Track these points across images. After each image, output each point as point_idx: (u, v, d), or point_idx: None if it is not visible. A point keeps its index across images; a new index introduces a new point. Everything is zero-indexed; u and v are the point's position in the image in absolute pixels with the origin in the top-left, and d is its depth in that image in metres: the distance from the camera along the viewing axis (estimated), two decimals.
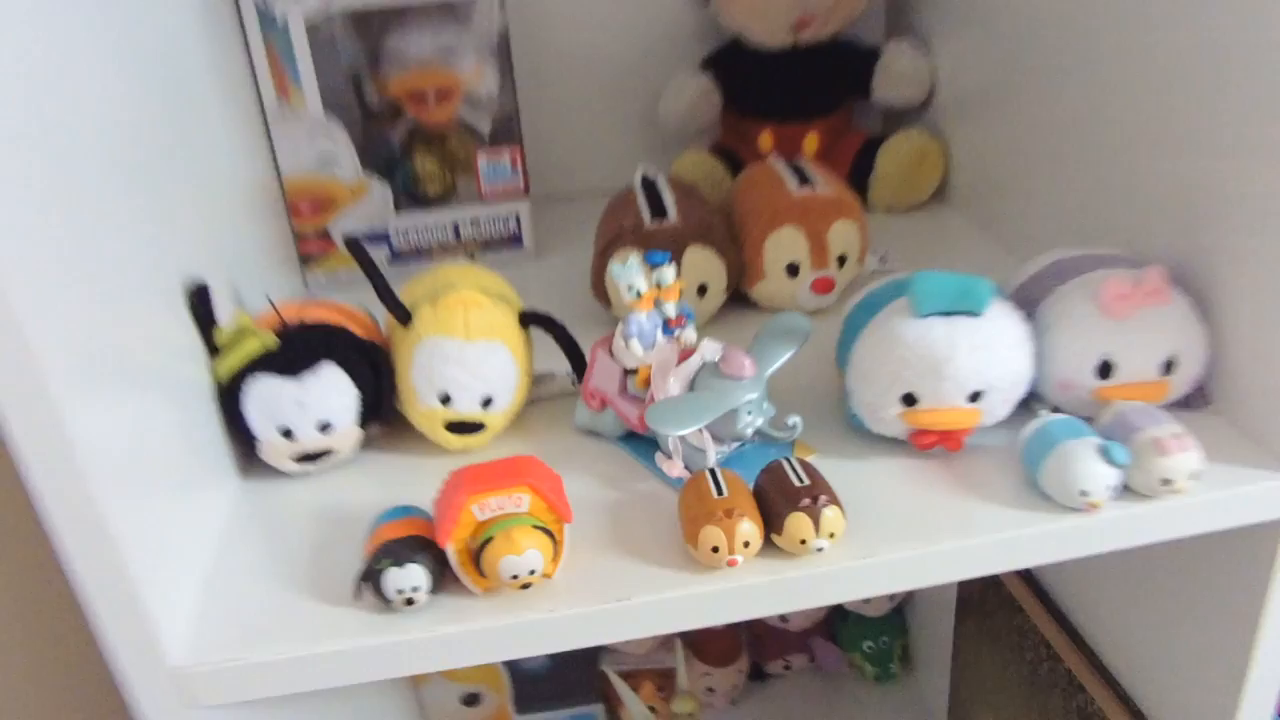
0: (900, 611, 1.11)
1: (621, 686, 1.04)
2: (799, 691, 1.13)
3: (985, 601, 0.90)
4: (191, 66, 0.64)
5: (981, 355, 0.53)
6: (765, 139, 0.89)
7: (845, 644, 1.12)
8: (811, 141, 0.89)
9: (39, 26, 0.44)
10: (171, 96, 0.59)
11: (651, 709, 1.05)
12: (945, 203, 0.90)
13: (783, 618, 1.09)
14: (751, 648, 1.12)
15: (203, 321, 0.57)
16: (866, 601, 1.07)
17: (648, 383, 0.57)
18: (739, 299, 0.74)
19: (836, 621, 1.12)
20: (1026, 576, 0.84)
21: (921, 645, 1.10)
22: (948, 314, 0.54)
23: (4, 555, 0.75)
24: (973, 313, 0.53)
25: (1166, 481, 0.52)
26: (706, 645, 1.08)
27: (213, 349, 0.57)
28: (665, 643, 1.06)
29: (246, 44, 0.74)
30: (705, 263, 0.69)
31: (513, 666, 1.06)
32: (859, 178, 0.88)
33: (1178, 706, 0.68)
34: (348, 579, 0.51)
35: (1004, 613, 0.86)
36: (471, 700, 1.07)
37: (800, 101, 0.89)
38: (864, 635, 1.10)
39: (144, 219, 0.52)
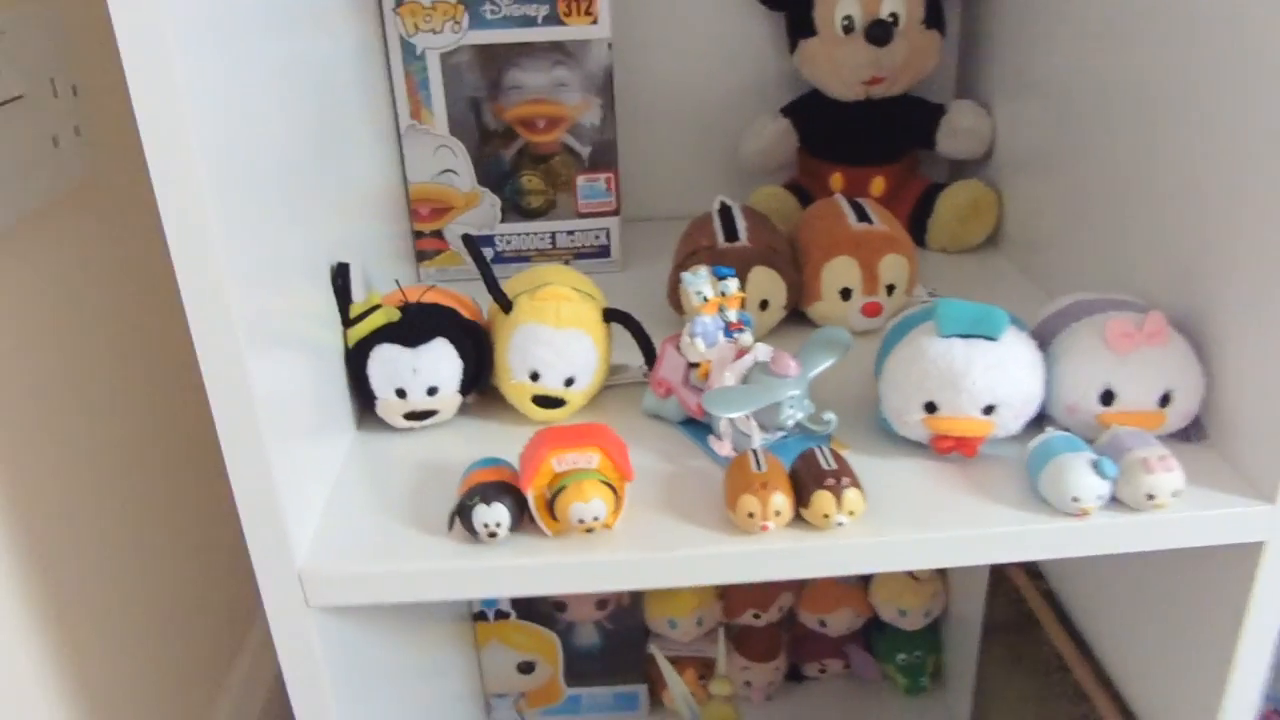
0: (935, 628, 1.18)
1: (667, 668, 1.13)
2: (832, 695, 1.21)
3: (1010, 624, 0.97)
4: (344, 89, 0.76)
5: (995, 374, 0.62)
6: (836, 180, 0.99)
7: (880, 654, 1.19)
8: (878, 185, 0.98)
9: (229, 56, 0.54)
10: (326, 113, 0.71)
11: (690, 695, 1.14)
12: (996, 248, 0.98)
13: (822, 623, 1.17)
14: (790, 649, 1.20)
15: (341, 295, 0.69)
16: (904, 615, 1.14)
17: (708, 376, 0.67)
18: (797, 316, 0.83)
19: (874, 632, 1.20)
20: (1049, 595, 0.91)
21: (952, 662, 1.17)
22: (968, 336, 0.62)
23: (180, 479, 0.87)
24: (990, 337, 0.62)
25: (1150, 496, 0.59)
26: (748, 641, 1.16)
27: (346, 320, 0.69)
28: (709, 633, 1.15)
29: (389, 71, 0.87)
30: (768, 281, 0.79)
31: (566, 642, 1.16)
32: (919, 220, 0.97)
33: (1167, 712, 0.74)
34: (443, 515, 0.61)
35: (1027, 633, 0.93)
36: (527, 668, 1.17)
37: (870, 148, 0.98)
38: (899, 648, 1.17)
39: (300, 215, 0.63)
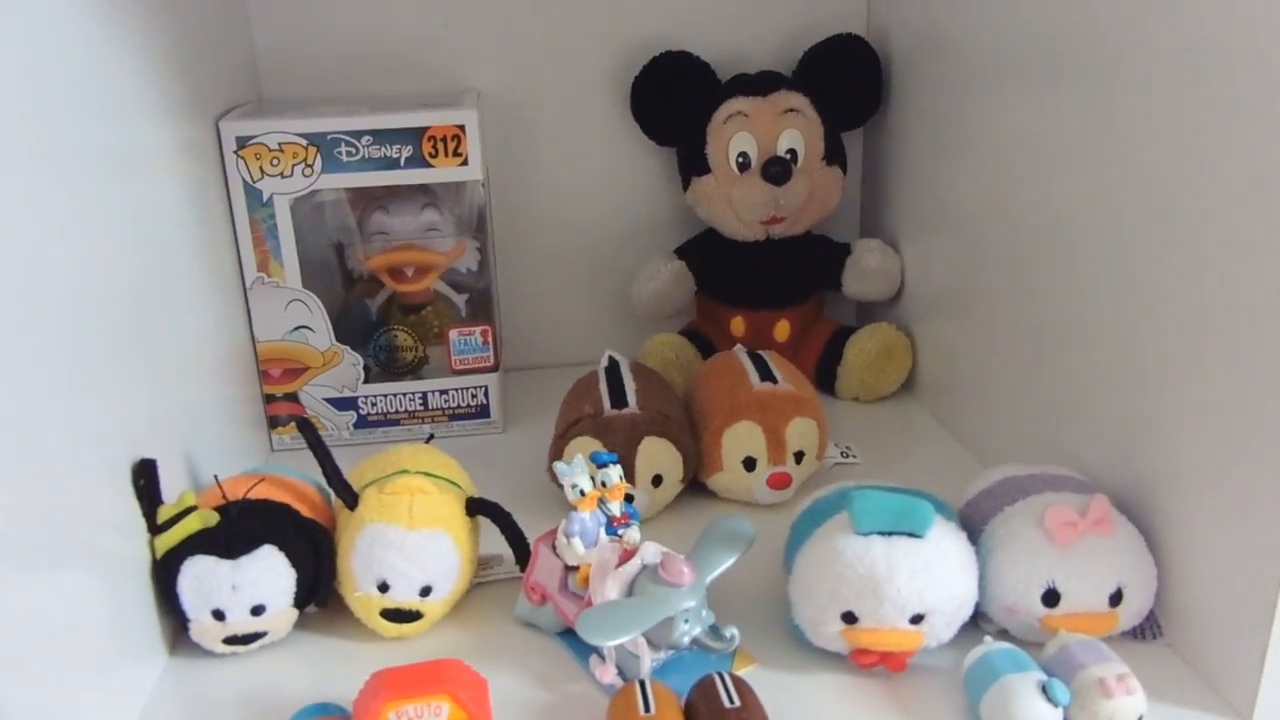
0: None
1: None
2: None
3: None
4: (175, 239, 0.66)
5: (923, 578, 0.52)
6: (737, 324, 0.91)
7: None
8: (782, 329, 0.91)
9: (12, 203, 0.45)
10: (151, 267, 0.61)
11: None
12: (911, 395, 0.91)
13: None
14: None
15: (147, 497, 0.57)
16: None
17: (588, 581, 0.57)
18: (697, 488, 0.74)
19: None
20: None
21: None
22: (889, 533, 0.53)
23: None
24: (915, 534, 0.53)
25: None
26: None
27: (153, 525, 0.57)
28: None
29: (232, 219, 0.77)
30: (661, 453, 0.69)
31: None
32: (828, 365, 0.89)
33: None
34: None
35: None
36: None
37: (772, 291, 0.91)
38: None
39: (99, 391, 0.53)
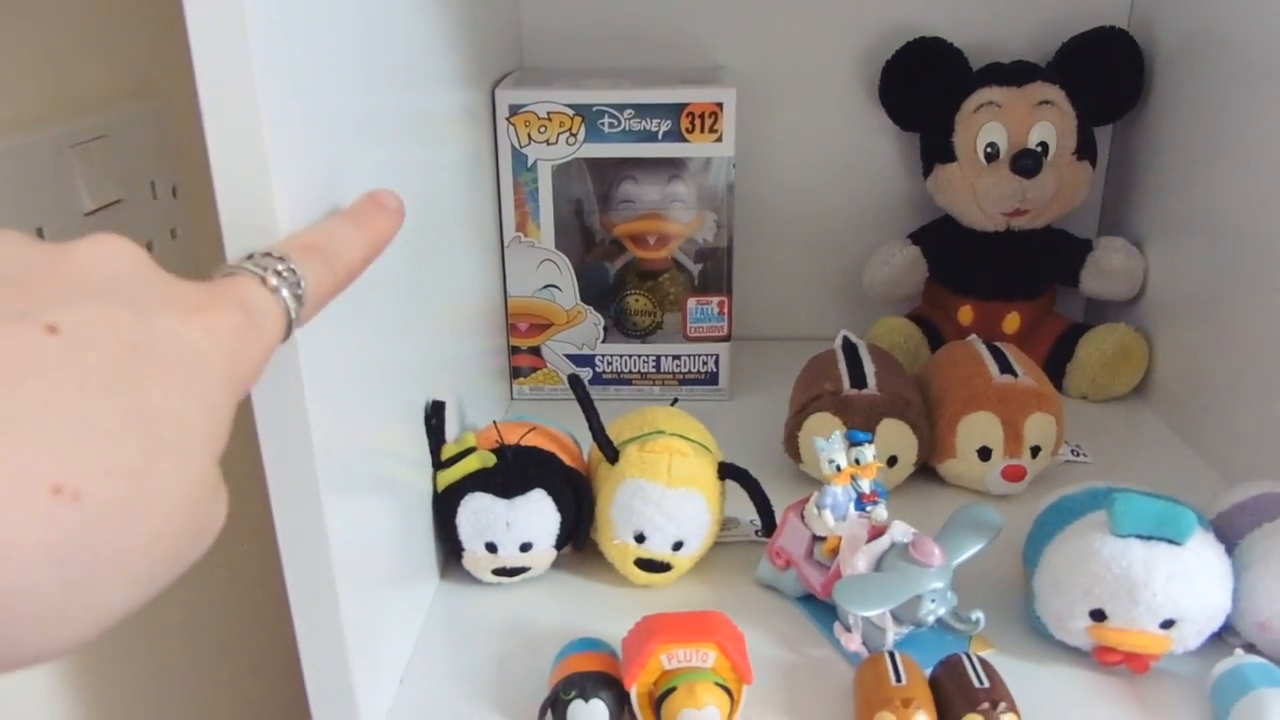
0: None
1: None
2: None
3: None
4: (449, 199, 0.71)
5: (1179, 585, 0.53)
6: (965, 313, 0.91)
7: None
8: (1012, 321, 0.91)
9: (325, 163, 0.48)
10: (429, 225, 0.66)
11: None
12: (1144, 400, 0.89)
13: None
14: None
15: (434, 435, 0.63)
16: None
17: (834, 551, 0.59)
18: (926, 473, 0.75)
19: None
20: None
21: None
22: (1147, 537, 0.54)
23: (243, 636, 0.82)
24: (1174, 541, 0.53)
25: None
26: None
27: (437, 462, 0.63)
28: None
29: (498, 182, 0.82)
30: (898, 436, 0.71)
31: None
32: (1057, 362, 0.89)
33: None
34: (531, 696, 0.54)
35: None
36: None
37: (1005, 282, 0.90)
38: None
39: (391, 336, 0.57)
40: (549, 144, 0.81)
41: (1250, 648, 0.57)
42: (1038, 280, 0.91)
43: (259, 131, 0.40)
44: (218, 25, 0.38)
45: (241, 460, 0.45)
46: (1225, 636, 0.57)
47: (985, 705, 0.50)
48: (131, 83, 0.67)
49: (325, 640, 0.49)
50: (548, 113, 0.81)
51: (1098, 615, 0.55)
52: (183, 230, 0.74)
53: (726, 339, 0.88)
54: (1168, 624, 0.54)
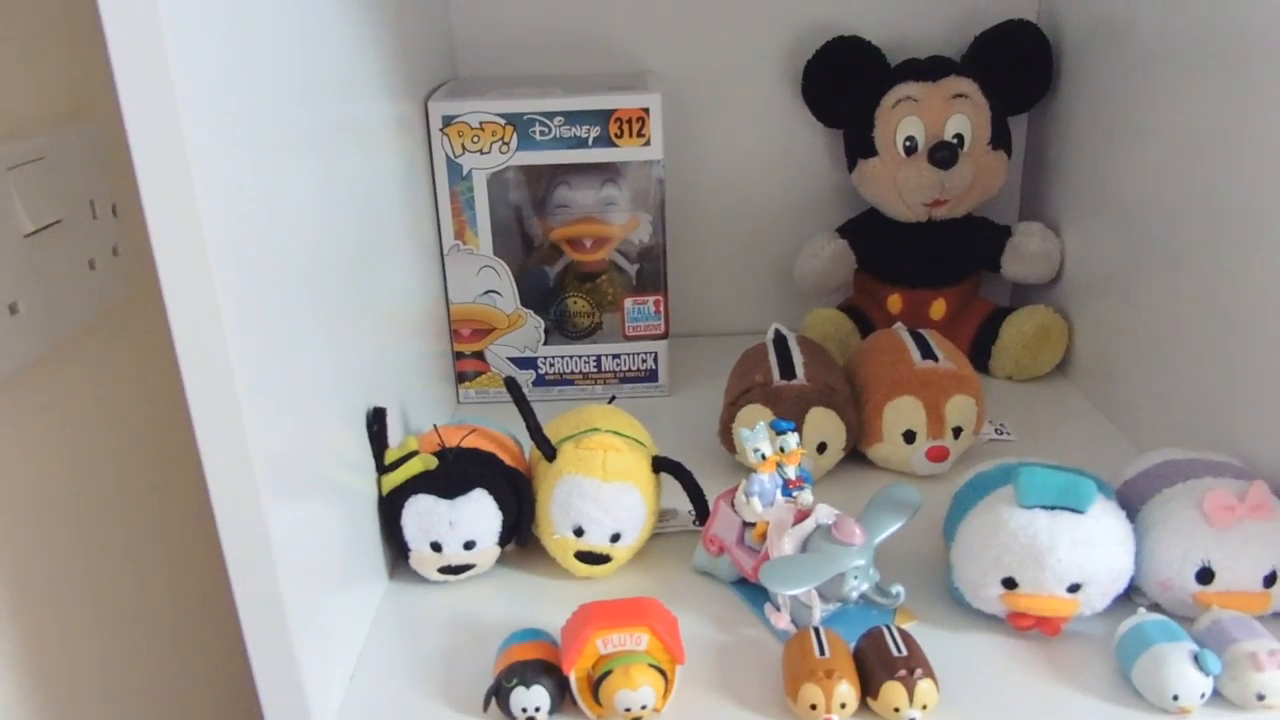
0: None
1: None
2: None
3: None
4: (387, 209, 0.73)
5: (1082, 551, 0.56)
6: (894, 301, 0.95)
7: None
8: (938, 308, 0.94)
9: (259, 175, 0.50)
10: (367, 233, 0.67)
11: None
12: (1065, 377, 0.93)
13: None
14: None
15: (376, 440, 0.65)
16: None
17: (764, 537, 0.62)
18: (856, 457, 0.78)
19: None
20: None
21: None
22: (1052, 508, 0.57)
23: (193, 631, 0.83)
24: (1077, 509, 0.57)
25: (1261, 697, 0.53)
26: None
27: (380, 466, 0.65)
28: None
29: (434, 191, 0.84)
30: (826, 423, 0.74)
31: None
32: (982, 345, 0.92)
33: None
34: (477, 687, 0.57)
35: None
36: None
37: (930, 270, 0.94)
38: None
39: (333, 342, 0.59)
40: (483, 153, 0.84)
41: (1156, 606, 0.61)
42: (961, 267, 0.95)
43: (182, 147, 0.42)
44: (136, 44, 0.40)
45: (192, 454, 0.47)
46: (1132, 597, 0.61)
47: (903, 673, 0.53)
48: (67, 104, 0.68)
49: (272, 640, 0.51)
50: (480, 123, 0.83)
51: (1009, 583, 0.58)
52: (124, 248, 0.75)
53: (664, 337, 0.91)
54: (1074, 588, 0.57)
